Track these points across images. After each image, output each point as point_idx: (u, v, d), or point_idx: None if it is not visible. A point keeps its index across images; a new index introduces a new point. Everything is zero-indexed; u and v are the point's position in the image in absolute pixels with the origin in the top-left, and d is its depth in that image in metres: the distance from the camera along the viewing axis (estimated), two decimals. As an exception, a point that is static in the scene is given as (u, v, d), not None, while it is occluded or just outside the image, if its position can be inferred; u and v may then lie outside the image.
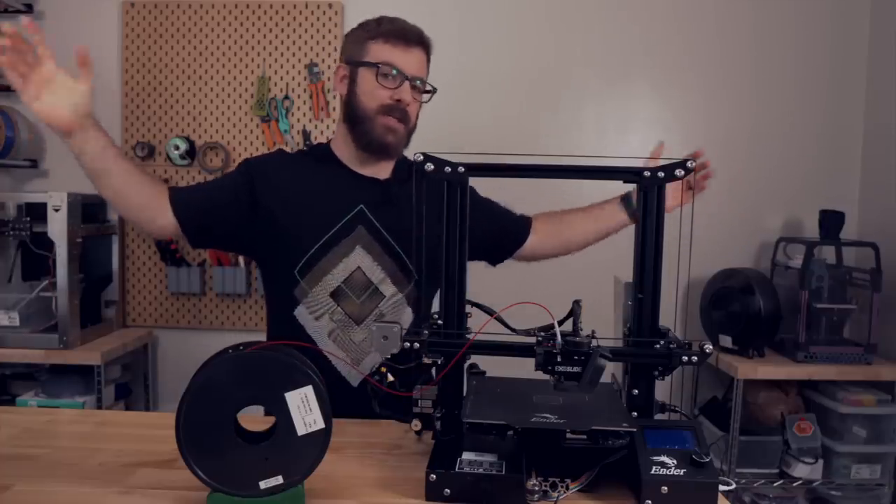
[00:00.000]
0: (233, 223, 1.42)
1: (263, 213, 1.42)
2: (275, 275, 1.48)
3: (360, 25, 1.45)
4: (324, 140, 2.65)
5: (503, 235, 1.62)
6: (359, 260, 1.42)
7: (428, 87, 1.46)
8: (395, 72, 1.38)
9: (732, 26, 2.68)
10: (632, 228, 1.03)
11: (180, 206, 1.38)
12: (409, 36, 1.41)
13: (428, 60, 1.46)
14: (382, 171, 1.50)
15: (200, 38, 2.69)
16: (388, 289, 1.44)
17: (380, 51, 1.39)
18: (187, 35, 2.69)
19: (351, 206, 1.43)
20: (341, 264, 1.42)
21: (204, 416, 0.85)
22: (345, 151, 1.49)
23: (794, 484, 2.36)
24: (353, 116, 1.43)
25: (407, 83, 1.40)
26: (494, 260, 1.65)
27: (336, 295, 1.43)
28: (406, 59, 1.40)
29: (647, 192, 1.00)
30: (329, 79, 2.68)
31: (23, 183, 2.76)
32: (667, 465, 0.90)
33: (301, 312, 1.44)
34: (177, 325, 2.76)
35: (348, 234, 1.42)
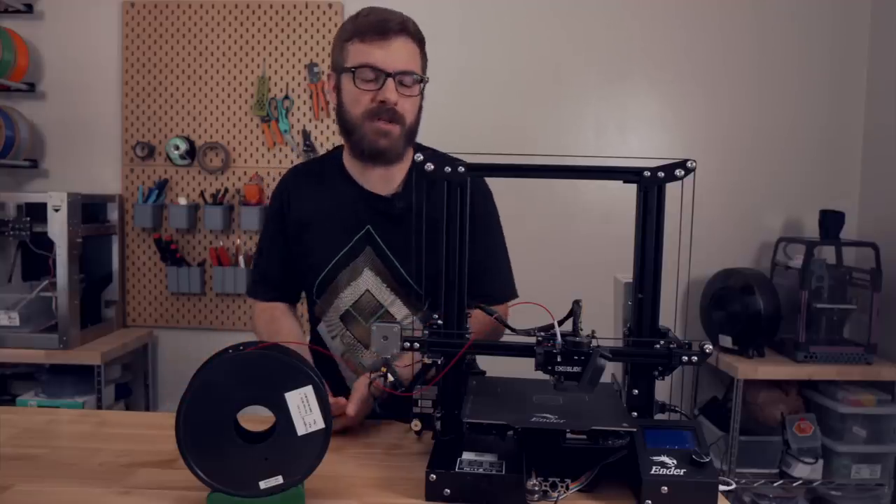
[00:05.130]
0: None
1: (292, 233, 1.44)
2: (305, 291, 1.51)
3: (341, 25, 1.35)
4: (324, 140, 2.68)
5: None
6: (367, 283, 1.39)
7: (419, 79, 1.32)
8: (373, 72, 1.27)
9: (733, 26, 2.68)
10: (632, 228, 1.02)
11: (276, 293, 1.49)
12: (387, 27, 1.27)
13: (420, 46, 1.33)
14: (393, 181, 1.41)
15: (200, 38, 2.69)
16: (399, 311, 1.40)
17: (356, 52, 1.28)
18: (187, 35, 2.69)
19: (358, 226, 1.39)
20: (350, 287, 1.40)
21: (204, 416, 0.85)
22: (351, 163, 1.43)
23: (794, 484, 2.35)
24: (344, 127, 1.36)
25: (390, 81, 1.27)
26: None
27: (345, 318, 1.41)
28: (385, 54, 1.27)
29: (647, 193, 1.00)
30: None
31: (23, 183, 2.76)
32: (667, 465, 0.90)
33: (322, 329, 1.47)
34: (177, 325, 2.76)
35: (357, 255, 1.39)
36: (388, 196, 1.41)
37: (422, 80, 1.33)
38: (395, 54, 1.28)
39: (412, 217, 1.23)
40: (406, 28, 1.30)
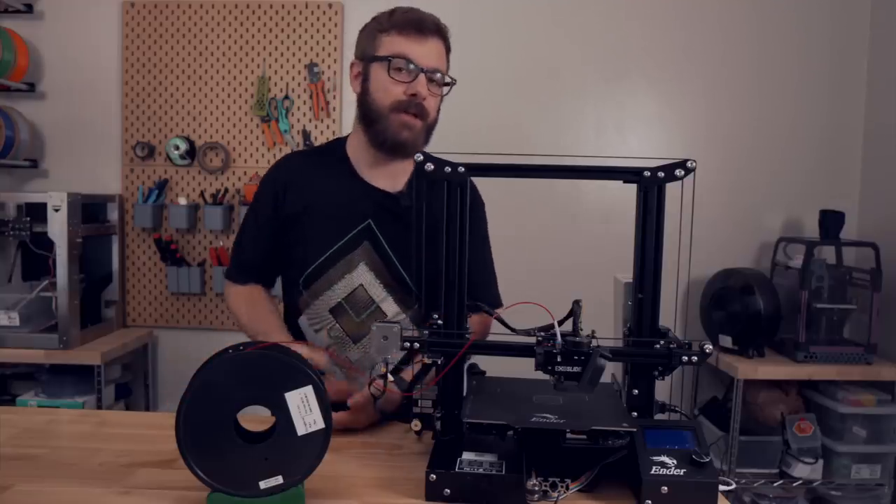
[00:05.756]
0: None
1: (285, 221, 1.43)
2: (286, 280, 1.49)
3: (374, 18, 1.37)
4: (324, 140, 2.68)
5: None
6: (361, 277, 1.39)
7: (447, 80, 1.37)
8: (408, 65, 1.30)
9: (733, 26, 2.68)
10: (632, 228, 1.03)
11: (256, 278, 1.48)
12: (424, 25, 1.32)
13: (447, 50, 1.38)
14: (398, 179, 1.43)
15: (200, 38, 2.69)
16: (390, 308, 1.41)
17: (392, 43, 1.32)
18: (187, 35, 2.69)
19: (359, 220, 1.39)
20: (343, 280, 1.39)
21: (204, 416, 0.85)
22: (360, 154, 1.43)
23: (794, 484, 2.35)
24: (367, 115, 1.36)
25: (422, 76, 1.31)
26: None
27: (336, 311, 1.41)
28: (420, 50, 1.31)
29: (647, 193, 1.00)
30: (329, 79, 2.68)
31: (23, 183, 2.76)
32: (667, 465, 0.90)
33: (303, 322, 1.45)
34: (177, 325, 2.76)
35: (353, 249, 1.39)
36: (395, 193, 1.41)
37: (448, 83, 1.37)
38: (429, 52, 1.33)
39: (416, 216, 1.26)
40: (440, 30, 1.36)
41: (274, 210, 1.43)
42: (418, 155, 1.00)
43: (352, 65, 1.41)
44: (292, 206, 1.42)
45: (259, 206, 1.47)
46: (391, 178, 1.42)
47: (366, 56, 1.36)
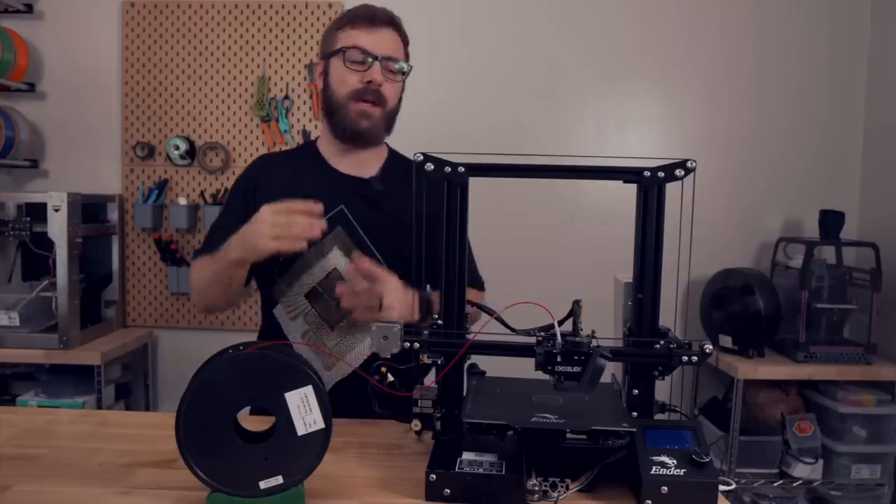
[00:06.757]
0: None
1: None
2: (259, 273, 1.48)
3: (332, 21, 1.45)
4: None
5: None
6: (336, 261, 1.40)
7: (404, 67, 1.41)
8: (363, 55, 1.36)
9: (733, 26, 2.68)
10: (632, 228, 1.03)
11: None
12: (375, 16, 1.38)
13: (404, 41, 1.43)
14: (369, 167, 1.47)
15: (200, 38, 2.69)
16: None
17: (346, 37, 1.38)
18: (187, 35, 2.69)
19: (331, 205, 1.40)
20: (318, 265, 1.40)
21: (204, 416, 0.85)
22: (328, 147, 1.48)
23: (794, 484, 2.35)
24: (328, 107, 1.42)
25: (377, 64, 1.36)
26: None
27: (311, 296, 1.41)
28: (373, 39, 1.37)
29: (647, 193, 1.00)
30: (329, 79, 2.68)
31: (23, 183, 2.76)
32: (667, 465, 0.90)
33: (279, 311, 1.45)
34: (177, 325, 2.76)
35: (327, 233, 1.39)
36: (366, 179, 1.46)
37: (404, 72, 1.42)
38: (382, 41, 1.38)
39: (390, 201, 1.38)
40: (393, 21, 1.42)
41: (244, 208, 1.42)
42: (418, 154, 1.00)
43: (316, 65, 1.47)
44: (264, 199, 1.41)
45: (230, 205, 1.48)
46: (359, 165, 1.47)
47: (325, 54, 1.43)
